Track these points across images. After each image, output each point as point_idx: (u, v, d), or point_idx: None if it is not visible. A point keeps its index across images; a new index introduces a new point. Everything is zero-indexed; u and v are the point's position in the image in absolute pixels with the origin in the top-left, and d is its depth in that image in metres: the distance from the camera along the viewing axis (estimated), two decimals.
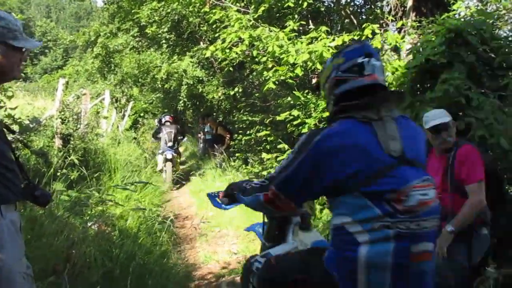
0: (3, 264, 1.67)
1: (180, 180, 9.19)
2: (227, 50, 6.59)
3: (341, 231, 1.52)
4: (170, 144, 9.34)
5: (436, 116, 2.82)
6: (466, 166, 2.64)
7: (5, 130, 1.87)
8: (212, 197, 2.26)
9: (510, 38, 5.15)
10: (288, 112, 5.86)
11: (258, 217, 6.09)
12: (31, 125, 5.15)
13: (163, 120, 9.96)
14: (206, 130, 11.80)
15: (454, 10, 5.09)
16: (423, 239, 1.48)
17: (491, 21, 4.43)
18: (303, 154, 1.54)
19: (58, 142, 5.48)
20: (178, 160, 9.65)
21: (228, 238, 5.51)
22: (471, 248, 2.67)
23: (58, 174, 4.56)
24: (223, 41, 6.50)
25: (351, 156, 1.47)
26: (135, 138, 11.74)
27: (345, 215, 1.51)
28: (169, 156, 9.17)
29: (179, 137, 9.79)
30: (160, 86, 12.16)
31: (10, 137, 2.48)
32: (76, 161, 5.04)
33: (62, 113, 5.61)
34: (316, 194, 1.68)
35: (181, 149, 14.75)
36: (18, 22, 1.71)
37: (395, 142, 1.51)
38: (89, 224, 3.75)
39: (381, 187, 1.45)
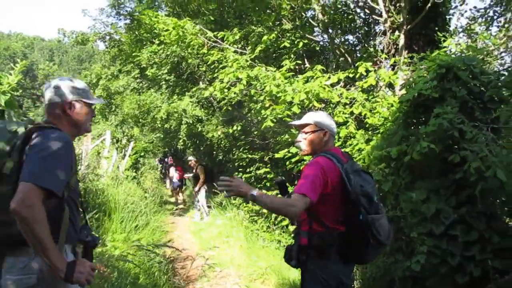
0: None
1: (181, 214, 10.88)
2: (226, 90, 6.73)
3: None
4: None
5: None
6: (301, 178, 2.34)
7: None
8: None
9: (501, 72, 5.30)
10: (286, 150, 5.92)
11: (258, 256, 5.98)
12: None
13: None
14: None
15: (445, 47, 5.26)
16: None
17: (481, 57, 4.57)
18: None
19: None
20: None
21: (230, 278, 5.41)
22: (304, 280, 2.39)
23: None
24: (222, 81, 6.66)
25: None
26: (135, 178, 11.73)
27: None
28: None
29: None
30: (160, 125, 12.33)
31: None
32: None
33: None
34: None
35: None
36: (87, 86, 2.18)
37: None
38: None
39: None
